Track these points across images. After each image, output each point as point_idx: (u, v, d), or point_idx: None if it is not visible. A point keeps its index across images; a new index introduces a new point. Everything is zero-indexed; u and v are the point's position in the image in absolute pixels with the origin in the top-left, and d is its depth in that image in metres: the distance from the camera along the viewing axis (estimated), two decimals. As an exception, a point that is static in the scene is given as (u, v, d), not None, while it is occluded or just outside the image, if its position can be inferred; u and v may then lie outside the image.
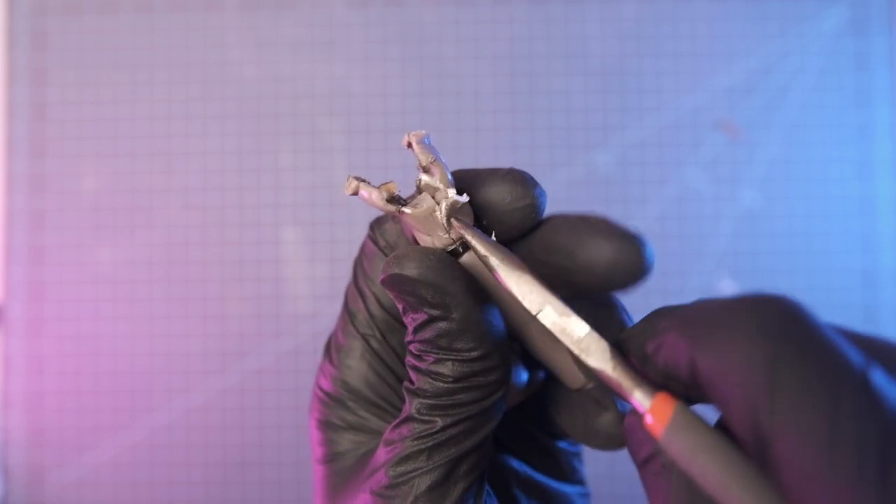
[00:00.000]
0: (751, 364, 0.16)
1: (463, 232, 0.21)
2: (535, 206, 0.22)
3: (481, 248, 0.21)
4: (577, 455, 0.27)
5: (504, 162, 0.53)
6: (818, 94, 0.53)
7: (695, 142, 0.53)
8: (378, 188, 0.22)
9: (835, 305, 0.52)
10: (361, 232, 0.52)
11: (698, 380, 0.18)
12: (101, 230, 0.53)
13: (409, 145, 0.22)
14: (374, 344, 0.24)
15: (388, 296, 0.24)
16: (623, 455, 0.52)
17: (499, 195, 0.22)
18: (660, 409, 0.19)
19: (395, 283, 0.21)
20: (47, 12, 0.54)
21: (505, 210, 0.22)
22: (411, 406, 0.22)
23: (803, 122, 0.53)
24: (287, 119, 0.53)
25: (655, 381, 0.19)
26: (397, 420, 0.22)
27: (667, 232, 0.52)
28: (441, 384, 0.21)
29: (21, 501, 0.52)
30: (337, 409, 0.24)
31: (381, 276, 0.22)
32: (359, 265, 0.25)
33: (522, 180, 0.22)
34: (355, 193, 0.22)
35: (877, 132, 0.53)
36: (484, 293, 0.22)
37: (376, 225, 0.24)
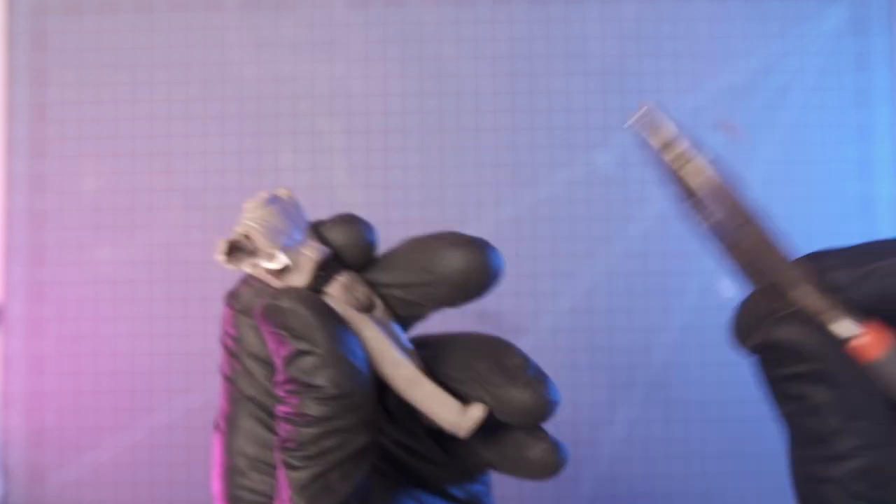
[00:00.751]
0: None
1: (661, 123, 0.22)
2: (367, 242, 0.24)
3: (687, 151, 0.22)
4: (489, 490, 0.28)
5: (504, 162, 0.53)
6: (818, 94, 0.53)
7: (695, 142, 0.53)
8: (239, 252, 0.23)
9: (835, 305, 0.52)
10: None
11: None
12: (101, 230, 0.53)
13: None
14: (261, 400, 0.24)
15: (262, 348, 0.24)
16: (622, 456, 0.52)
17: (336, 239, 0.24)
18: (876, 333, 0.20)
19: (268, 314, 0.22)
20: (47, 12, 0.54)
21: (343, 251, 0.24)
22: (281, 460, 0.22)
23: (803, 122, 0.53)
24: (287, 119, 0.53)
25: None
26: (277, 477, 0.22)
27: (667, 232, 0.52)
28: (304, 429, 0.21)
29: (21, 501, 0.52)
30: (238, 478, 0.24)
31: (257, 311, 0.23)
32: (225, 336, 0.25)
33: (352, 220, 0.24)
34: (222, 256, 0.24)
35: (877, 132, 0.53)
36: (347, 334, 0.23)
37: (230, 297, 0.25)
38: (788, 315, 0.21)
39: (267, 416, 0.24)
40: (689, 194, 0.22)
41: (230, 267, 0.23)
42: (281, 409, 0.22)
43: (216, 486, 0.24)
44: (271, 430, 0.24)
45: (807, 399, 0.20)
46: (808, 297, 0.20)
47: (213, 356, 0.53)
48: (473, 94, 0.53)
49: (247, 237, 0.23)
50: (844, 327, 0.20)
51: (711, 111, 0.53)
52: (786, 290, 0.20)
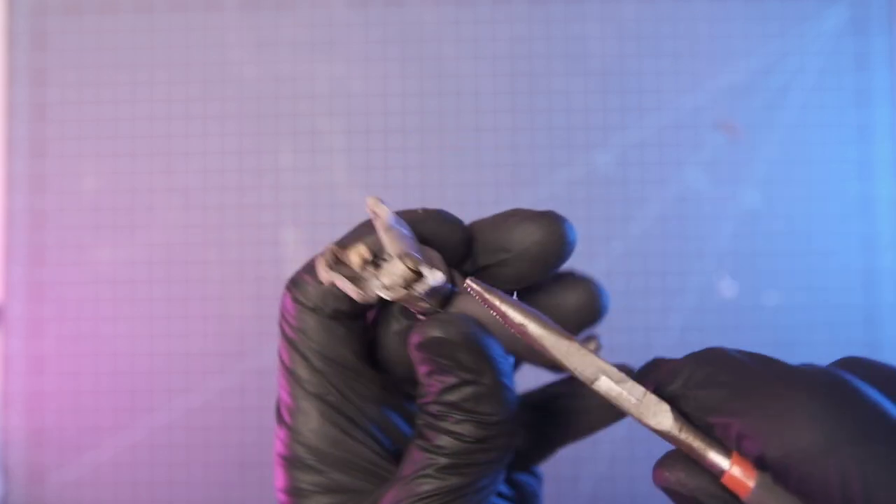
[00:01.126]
0: (836, 458, 0.17)
1: (495, 301, 0.22)
2: (466, 238, 0.24)
3: (518, 317, 0.21)
4: (540, 481, 0.28)
5: (504, 162, 0.53)
6: (818, 94, 0.53)
7: (695, 142, 0.53)
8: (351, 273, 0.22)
9: (835, 305, 0.52)
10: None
11: (770, 467, 0.19)
12: (101, 230, 0.53)
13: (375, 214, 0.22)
14: (332, 400, 0.24)
15: (333, 349, 0.24)
16: (622, 457, 0.52)
17: (437, 235, 0.24)
18: (743, 464, 0.19)
19: (433, 345, 0.22)
20: (47, 12, 0.54)
21: (444, 247, 0.24)
22: (426, 463, 0.22)
23: (803, 122, 0.53)
24: (287, 119, 0.53)
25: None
26: (409, 476, 0.22)
27: (667, 232, 0.52)
28: (460, 444, 0.22)
29: (21, 501, 0.52)
30: (304, 473, 0.24)
31: (417, 339, 0.22)
32: (287, 326, 0.24)
33: (446, 216, 0.24)
34: (333, 284, 0.22)
35: (877, 132, 0.53)
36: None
37: (294, 286, 0.24)
38: (666, 457, 0.21)
39: (336, 414, 0.24)
40: (555, 368, 0.22)
41: (350, 290, 0.22)
42: (431, 420, 0.23)
43: (279, 478, 0.25)
44: (343, 429, 0.24)
45: None
46: (676, 432, 0.20)
47: (213, 356, 0.53)
48: (473, 94, 0.53)
49: (336, 252, 0.22)
50: (715, 459, 0.20)
51: (711, 111, 0.53)
52: (655, 428, 0.21)
